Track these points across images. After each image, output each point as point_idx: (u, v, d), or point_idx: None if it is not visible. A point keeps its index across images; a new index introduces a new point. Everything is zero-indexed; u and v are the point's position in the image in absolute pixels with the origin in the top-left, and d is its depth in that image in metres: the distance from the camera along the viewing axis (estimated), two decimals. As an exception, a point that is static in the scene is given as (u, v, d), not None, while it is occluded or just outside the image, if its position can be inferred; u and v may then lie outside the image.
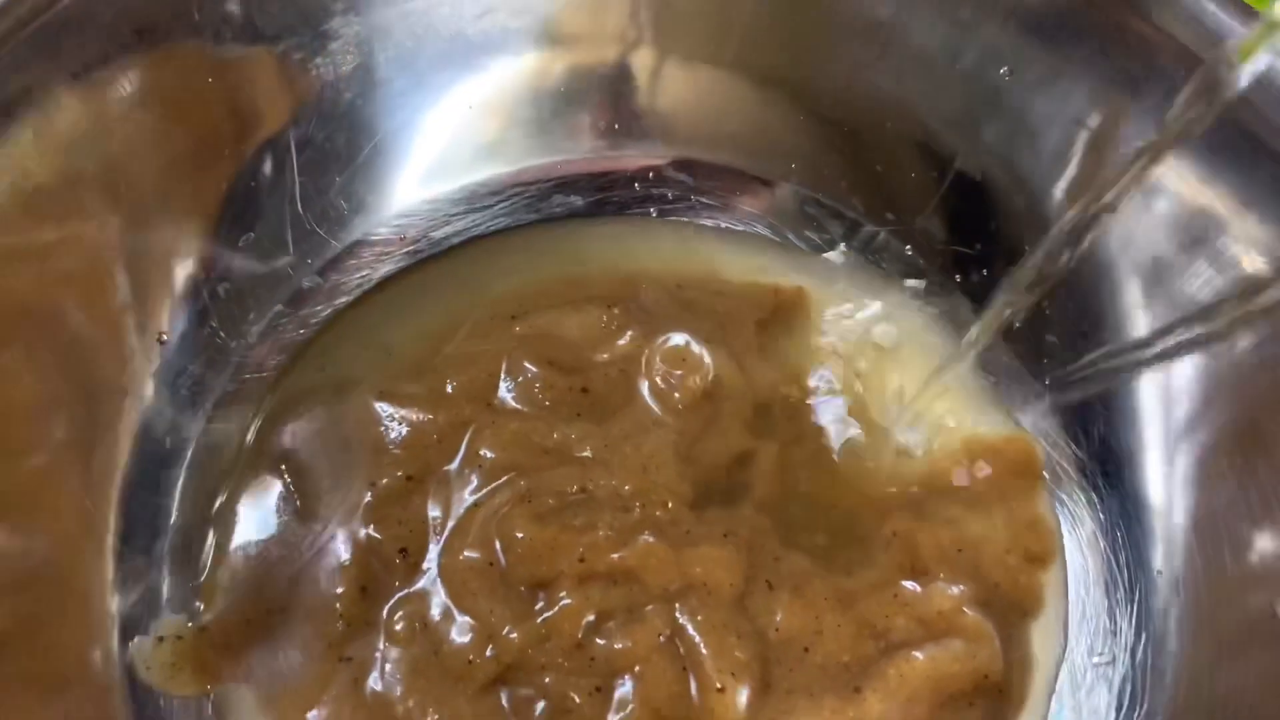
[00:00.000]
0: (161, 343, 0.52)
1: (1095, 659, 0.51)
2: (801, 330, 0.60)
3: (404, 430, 0.53)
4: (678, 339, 0.57)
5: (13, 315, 0.45)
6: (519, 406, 0.55)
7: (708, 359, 0.56)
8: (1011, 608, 0.53)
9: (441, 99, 0.58)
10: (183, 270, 0.52)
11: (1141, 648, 0.50)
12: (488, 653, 0.48)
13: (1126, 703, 0.50)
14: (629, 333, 0.57)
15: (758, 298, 0.59)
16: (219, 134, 0.51)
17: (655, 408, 0.55)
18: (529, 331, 0.57)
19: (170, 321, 0.52)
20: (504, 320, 0.57)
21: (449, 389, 0.55)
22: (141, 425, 0.51)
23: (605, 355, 0.57)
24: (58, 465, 0.47)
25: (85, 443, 0.48)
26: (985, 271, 0.58)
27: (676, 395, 0.55)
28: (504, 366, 0.55)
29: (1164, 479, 0.51)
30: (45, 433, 0.46)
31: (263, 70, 0.51)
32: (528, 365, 0.55)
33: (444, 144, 0.60)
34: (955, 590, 0.51)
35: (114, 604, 0.48)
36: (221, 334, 0.54)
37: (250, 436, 0.54)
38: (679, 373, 0.56)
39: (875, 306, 0.59)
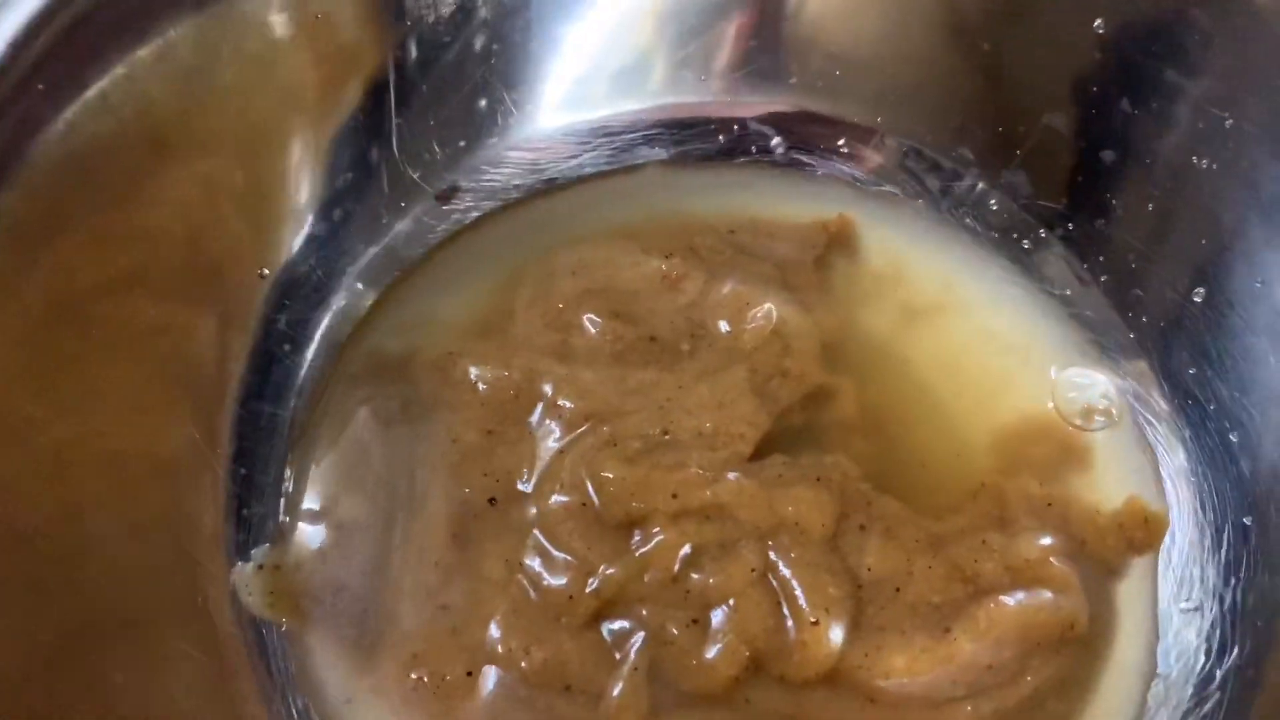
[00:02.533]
0: (262, 278, 0.53)
1: (1183, 604, 0.52)
2: (859, 262, 0.61)
3: (480, 387, 0.54)
4: (739, 283, 0.58)
5: (127, 240, 0.46)
6: (591, 358, 0.55)
7: (770, 300, 0.57)
8: (1098, 563, 0.53)
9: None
10: (286, 207, 0.53)
11: (1230, 594, 0.51)
12: (587, 589, 0.49)
13: (1215, 649, 0.50)
14: (689, 281, 0.58)
15: (809, 235, 0.60)
16: (326, 72, 0.51)
17: (724, 350, 0.56)
18: (590, 286, 0.58)
19: (271, 257, 0.53)
20: (565, 275, 0.58)
21: (520, 345, 0.55)
22: (245, 359, 0.52)
23: (668, 304, 0.57)
24: (170, 389, 0.48)
25: (195, 371, 0.49)
26: (1070, 226, 0.58)
27: (744, 336, 0.56)
28: (571, 320, 0.56)
29: (1258, 428, 0.51)
30: (157, 358, 0.47)
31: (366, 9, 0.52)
32: (594, 318, 0.56)
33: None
34: (1043, 541, 0.52)
35: (222, 528, 0.49)
36: (319, 272, 0.55)
37: (338, 386, 0.55)
38: (744, 315, 0.56)
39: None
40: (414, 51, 0.54)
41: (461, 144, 0.59)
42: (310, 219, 0.54)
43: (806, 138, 0.62)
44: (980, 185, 0.60)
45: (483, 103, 0.59)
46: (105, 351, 0.46)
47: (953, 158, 0.60)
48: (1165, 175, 0.54)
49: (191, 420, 0.49)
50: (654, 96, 0.61)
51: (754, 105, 0.62)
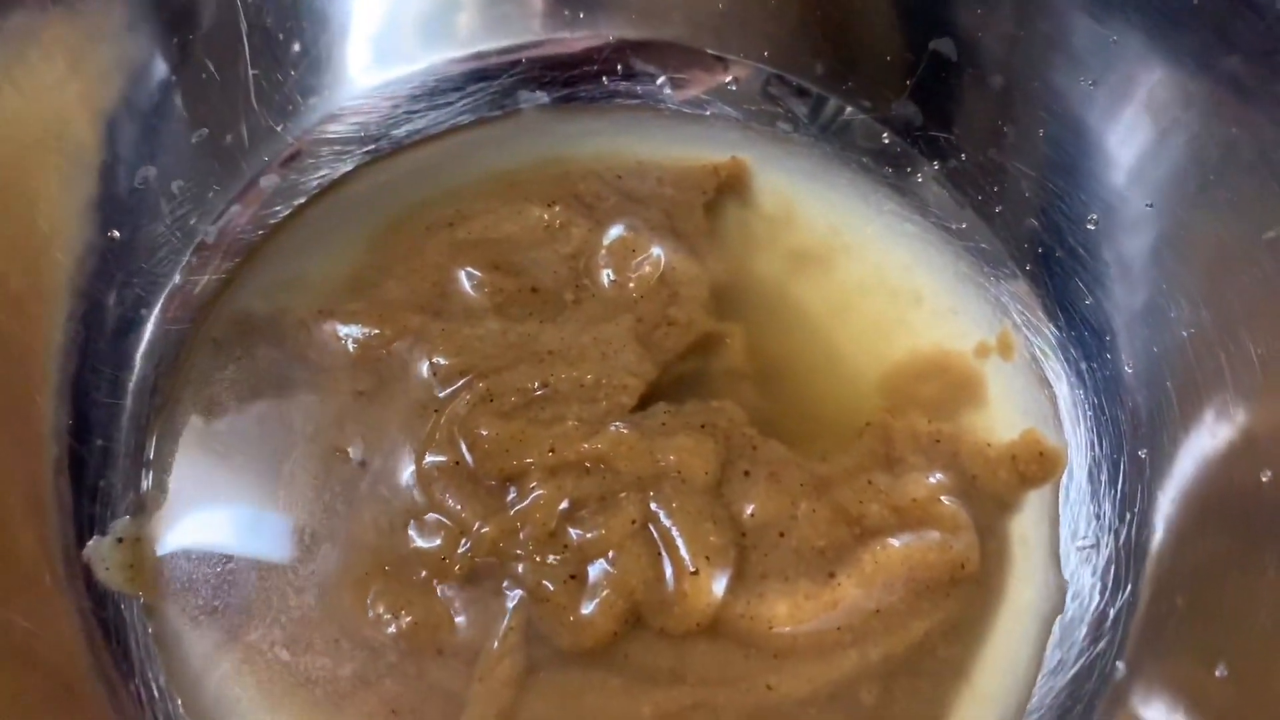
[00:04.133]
0: (113, 239, 0.50)
1: (1079, 543, 0.50)
2: (751, 206, 0.59)
3: (351, 346, 0.52)
4: (624, 230, 0.56)
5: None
6: (468, 312, 0.53)
7: (657, 246, 0.55)
8: (990, 499, 0.52)
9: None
10: (134, 165, 0.50)
11: (1126, 530, 0.49)
12: (460, 549, 0.47)
13: (1110, 586, 0.49)
14: (573, 229, 0.56)
15: (699, 179, 0.58)
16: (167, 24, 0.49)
17: (609, 300, 0.54)
18: (468, 237, 0.56)
19: (124, 218, 0.50)
20: (442, 228, 0.56)
21: (392, 302, 0.53)
22: (95, 323, 0.49)
23: (551, 254, 0.55)
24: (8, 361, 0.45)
25: (37, 338, 0.46)
26: (963, 156, 0.56)
27: (630, 285, 0.54)
28: (447, 275, 0.54)
29: (1153, 358, 0.50)
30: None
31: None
32: (472, 271, 0.54)
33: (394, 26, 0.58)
34: (931, 479, 0.50)
35: (70, 505, 0.47)
36: (177, 233, 0.53)
37: (201, 349, 0.53)
38: (630, 263, 0.55)
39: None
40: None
41: (324, 93, 0.56)
42: (160, 175, 0.52)
43: (693, 79, 0.60)
44: (870, 119, 0.58)
45: (341, 49, 0.56)
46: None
47: (843, 92, 0.58)
48: (1054, 99, 0.52)
49: (35, 390, 0.46)
50: (523, 34, 0.59)
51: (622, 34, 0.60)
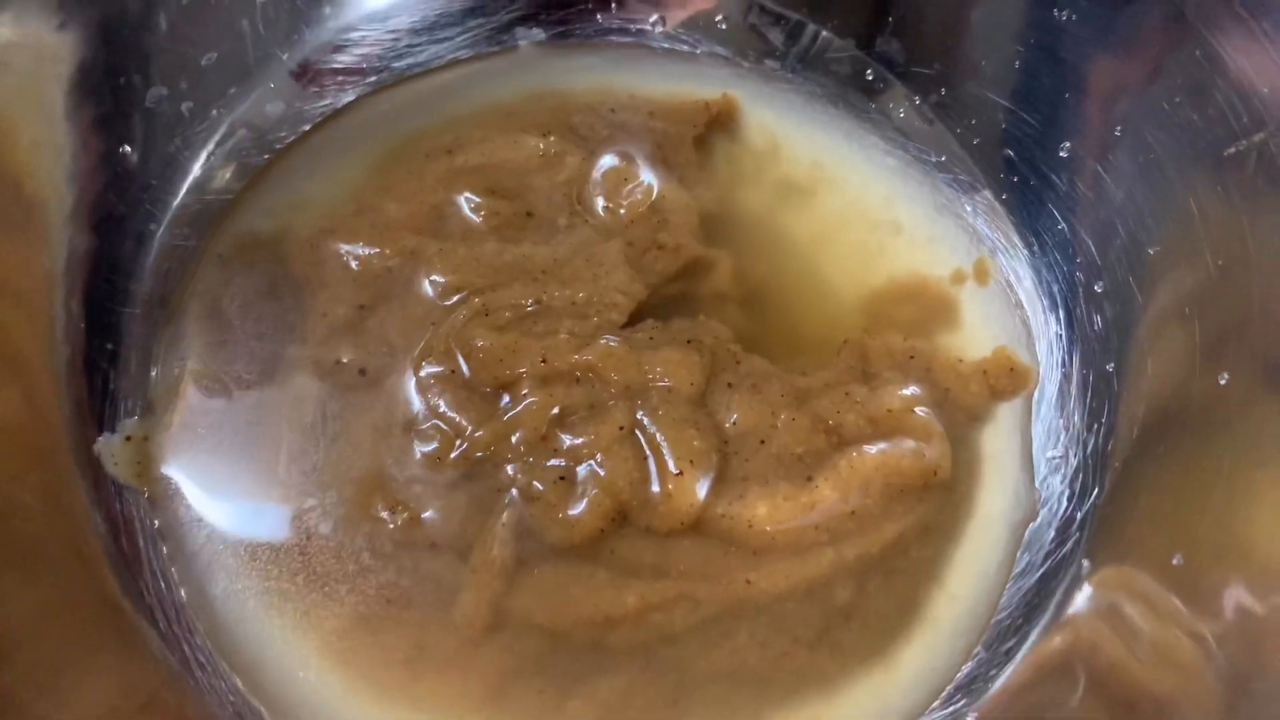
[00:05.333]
0: (125, 155, 0.52)
1: (1050, 453, 0.53)
2: (739, 140, 0.61)
3: (352, 264, 0.54)
4: (617, 160, 0.58)
5: None
6: (465, 234, 0.56)
7: (649, 176, 0.57)
8: (962, 411, 0.54)
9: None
10: (146, 85, 0.53)
11: (1093, 439, 0.51)
12: (455, 451, 0.50)
13: (1077, 493, 0.51)
14: (567, 158, 0.58)
15: (690, 114, 0.60)
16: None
17: (601, 225, 0.56)
18: (466, 163, 0.58)
19: (135, 134, 0.53)
20: (441, 155, 0.58)
21: (393, 222, 0.55)
22: (106, 233, 0.51)
23: (546, 181, 0.57)
24: (23, 260, 0.47)
25: (52, 242, 0.48)
26: (943, 91, 0.58)
27: (622, 211, 0.56)
28: (445, 198, 0.56)
29: (1121, 276, 0.52)
30: (18, 227, 0.47)
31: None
32: (470, 195, 0.56)
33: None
34: (906, 392, 0.52)
35: (83, 402, 0.49)
36: (185, 153, 0.55)
37: (207, 264, 0.55)
38: (621, 190, 0.57)
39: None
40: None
41: (329, 25, 0.59)
42: (171, 96, 0.54)
43: (684, 17, 0.62)
44: (854, 55, 0.60)
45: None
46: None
47: (828, 28, 0.60)
48: (1029, 31, 0.54)
49: (51, 290, 0.48)
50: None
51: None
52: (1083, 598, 0.47)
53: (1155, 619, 0.44)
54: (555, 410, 0.50)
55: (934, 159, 0.59)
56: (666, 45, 0.62)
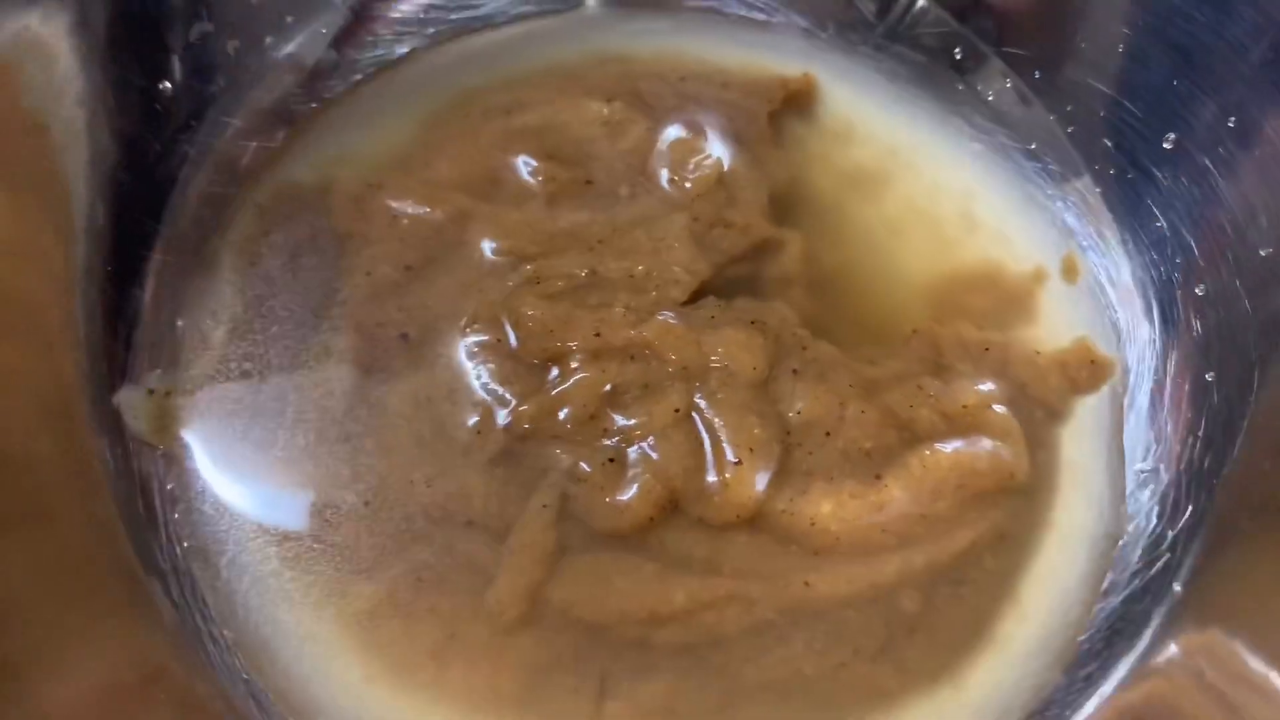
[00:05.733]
0: (164, 91, 0.49)
1: (1139, 466, 0.48)
2: (812, 120, 0.57)
3: (401, 222, 0.51)
4: (685, 131, 0.54)
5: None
6: (520, 198, 0.52)
7: (718, 149, 0.54)
8: (1040, 408, 0.50)
9: None
10: (190, 19, 0.50)
11: (1187, 454, 0.47)
12: (498, 425, 0.46)
13: (1169, 510, 0.47)
14: (631, 126, 0.54)
15: (765, 89, 0.56)
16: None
17: (665, 197, 0.53)
18: (524, 125, 0.54)
19: (175, 71, 0.50)
20: (497, 114, 0.55)
21: (443, 181, 0.52)
22: (139, 173, 0.48)
23: (608, 149, 0.54)
24: (53, 200, 0.44)
25: (78, 173, 0.45)
26: (1036, 74, 0.55)
27: (688, 185, 0.53)
28: (500, 160, 0.53)
29: (1224, 280, 0.48)
30: (41, 169, 0.44)
31: None
32: (527, 158, 0.53)
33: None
34: (982, 387, 0.49)
35: (104, 351, 0.46)
36: (228, 95, 0.52)
37: (245, 213, 0.51)
38: (688, 163, 0.53)
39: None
40: None
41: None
42: (218, 32, 0.51)
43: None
44: (942, 32, 0.56)
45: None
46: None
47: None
48: (1135, 11, 0.50)
49: (75, 225, 0.45)
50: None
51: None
52: (1173, 627, 0.43)
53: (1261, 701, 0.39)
54: (607, 388, 0.46)
55: (1022, 146, 0.55)
56: (741, 12, 0.59)
